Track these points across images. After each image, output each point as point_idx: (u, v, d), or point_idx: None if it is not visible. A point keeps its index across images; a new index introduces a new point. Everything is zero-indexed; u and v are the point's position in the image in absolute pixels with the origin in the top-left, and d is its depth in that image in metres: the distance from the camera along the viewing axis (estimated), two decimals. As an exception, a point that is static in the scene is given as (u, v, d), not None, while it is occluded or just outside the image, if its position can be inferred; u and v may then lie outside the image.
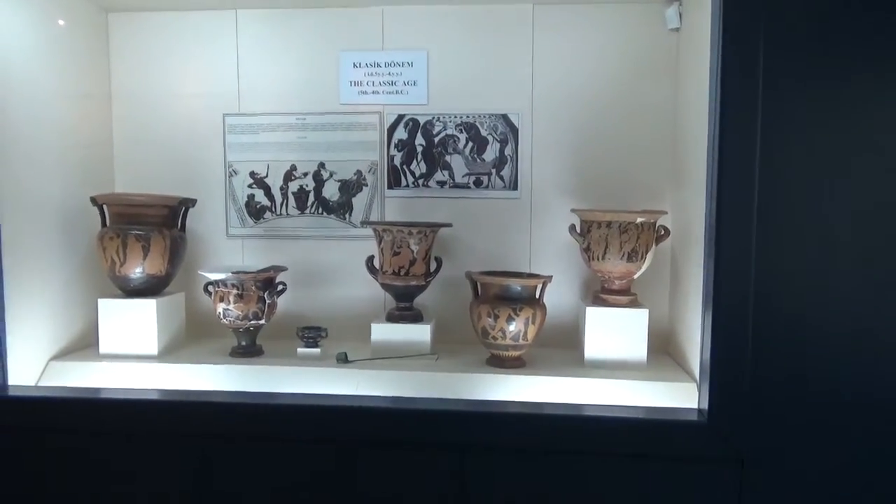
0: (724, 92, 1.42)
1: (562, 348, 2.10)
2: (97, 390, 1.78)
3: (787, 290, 1.44)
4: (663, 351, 2.10)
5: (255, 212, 2.25)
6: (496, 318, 1.84)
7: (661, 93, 2.10)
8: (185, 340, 2.15)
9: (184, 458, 1.61)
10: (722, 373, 1.46)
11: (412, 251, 1.97)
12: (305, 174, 2.22)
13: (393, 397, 1.69)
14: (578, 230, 1.97)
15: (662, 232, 1.94)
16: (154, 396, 1.72)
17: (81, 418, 1.66)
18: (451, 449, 1.53)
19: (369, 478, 1.56)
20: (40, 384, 1.88)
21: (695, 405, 1.73)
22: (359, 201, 2.22)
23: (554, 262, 2.16)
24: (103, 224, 2.00)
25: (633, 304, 1.95)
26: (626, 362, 1.90)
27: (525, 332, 1.86)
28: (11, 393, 1.70)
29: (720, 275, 1.44)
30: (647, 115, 2.12)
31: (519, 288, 1.88)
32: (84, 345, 2.08)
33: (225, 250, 2.27)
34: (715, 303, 1.45)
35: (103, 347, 1.97)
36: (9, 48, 1.78)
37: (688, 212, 1.93)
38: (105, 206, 1.99)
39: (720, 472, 1.48)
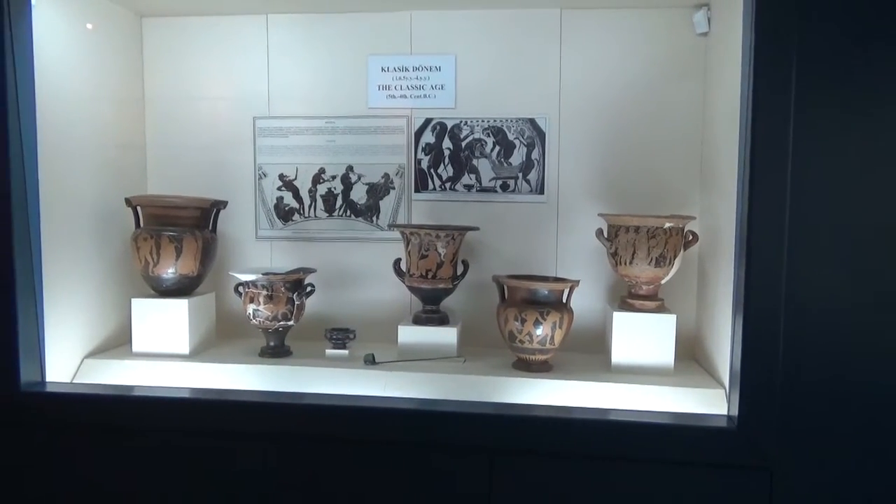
0: (755, 97, 1.42)
1: (588, 353, 2.10)
2: (131, 388, 1.82)
3: (818, 295, 1.43)
4: (690, 357, 2.09)
5: (283, 214, 2.28)
6: (523, 321, 1.85)
7: (689, 97, 2.10)
8: (215, 340, 2.19)
9: (215, 456, 1.64)
10: (752, 379, 1.46)
11: (439, 254, 1.98)
12: (334, 177, 2.25)
13: (421, 399, 1.71)
14: (606, 235, 1.97)
15: (690, 237, 1.93)
16: (186, 395, 1.75)
17: (116, 415, 1.70)
18: (479, 452, 1.54)
19: (397, 479, 1.57)
20: (75, 381, 1.92)
21: (723, 412, 1.73)
22: (386, 204, 2.24)
23: (580, 267, 2.16)
24: (137, 225, 2.04)
25: (661, 309, 1.95)
26: (653, 368, 1.90)
27: (552, 337, 1.86)
28: (49, 389, 1.73)
29: (751, 280, 1.44)
30: (674, 120, 2.11)
31: (546, 292, 1.88)
32: (117, 343, 2.13)
33: (254, 252, 2.31)
34: (745, 309, 1.45)
35: (136, 346, 2.01)
36: (46, 54, 1.82)
37: (716, 217, 1.92)
38: (139, 208, 2.03)
39: (749, 480, 1.48)
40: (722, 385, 1.80)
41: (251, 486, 1.63)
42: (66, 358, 1.91)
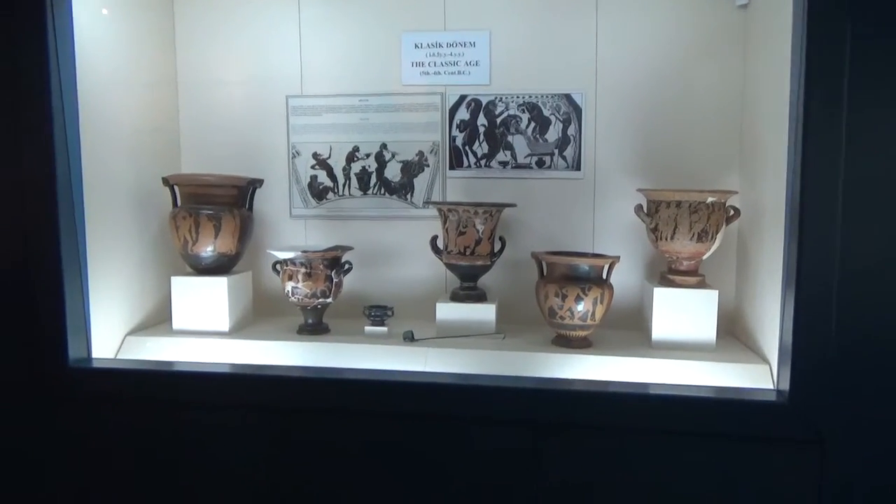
0: (808, 66, 1.39)
1: (625, 329, 2.09)
2: (175, 363, 1.83)
3: (872, 270, 1.41)
4: (729, 333, 2.08)
5: (317, 192, 2.28)
6: (564, 297, 1.84)
7: (728, 71, 2.06)
8: (253, 318, 2.20)
9: (257, 430, 1.66)
10: (804, 352, 1.44)
11: (477, 231, 1.98)
12: (368, 155, 2.24)
13: (465, 374, 1.71)
14: (645, 210, 1.95)
15: (732, 212, 1.90)
16: (229, 370, 1.76)
17: (160, 389, 1.73)
18: (524, 426, 1.54)
19: (441, 454, 1.58)
20: (119, 357, 1.94)
21: (768, 388, 1.72)
22: (420, 182, 2.23)
23: (617, 243, 2.15)
24: (174, 204, 2.05)
25: (702, 284, 1.93)
26: (695, 344, 1.89)
27: (593, 312, 1.85)
28: (95, 366, 1.75)
29: (804, 254, 1.42)
30: (713, 94, 2.08)
31: (586, 267, 1.87)
32: (157, 321, 2.15)
33: (288, 230, 2.31)
34: (798, 283, 1.43)
35: (176, 323, 2.03)
36: (84, 36, 1.82)
37: (760, 191, 1.89)
38: (176, 187, 2.04)
39: (800, 454, 1.47)
40: (766, 361, 1.79)
41: (293, 459, 1.64)
42: (110, 335, 1.93)
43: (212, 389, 1.71)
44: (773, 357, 1.74)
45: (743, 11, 2.03)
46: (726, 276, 2.09)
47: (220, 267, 2.05)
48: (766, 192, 1.85)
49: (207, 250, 1.99)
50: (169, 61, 2.28)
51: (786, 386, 1.49)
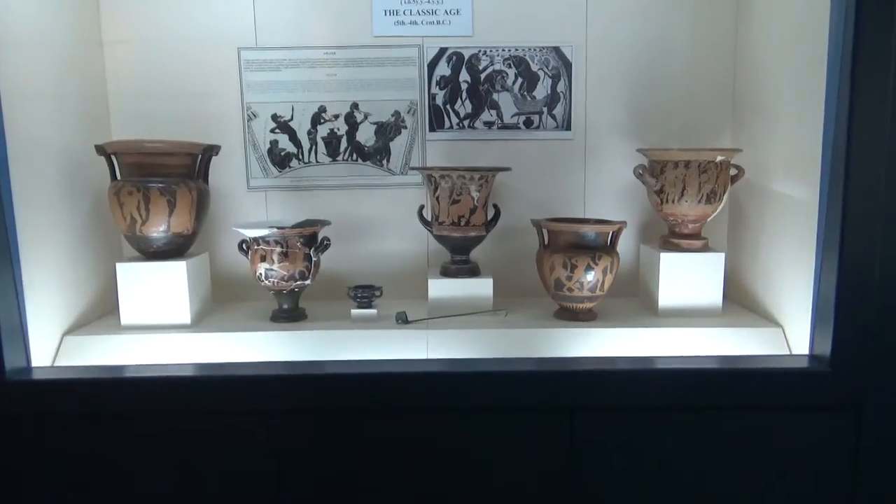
0: (858, 19, 1.29)
1: (622, 297, 1.99)
2: (134, 367, 1.55)
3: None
4: (726, 295, 2.02)
5: (279, 160, 2.00)
6: (573, 268, 1.71)
7: (720, 22, 1.97)
8: (212, 306, 1.92)
9: (242, 441, 1.42)
10: (847, 317, 1.38)
11: (473, 198, 1.80)
12: (336, 116, 1.99)
13: (493, 359, 1.54)
14: (648, 172, 1.83)
15: (736, 171, 1.82)
16: (204, 371, 1.50)
17: (121, 400, 1.44)
18: (560, 411, 1.40)
19: (474, 445, 1.42)
20: (58, 363, 1.63)
21: (782, 351, 1.67)
22: (397, 146, 2.01)
23: (609, 207, 2.04)
24: (113, 177, 1.73)
25: (706, 248, 1.85)
26: (702, 309, 1.82)
27: (602, 283, 1.73)
28: (37, 376, 1.45)
29: (848, 215, 1.34)
30: (706, 48, 1.98)
31: (593, 235, 1.74)
32: (98, 315, 1.83)
33: (246, 204, 2.03)
34: (842, 243, 1.35)
35: (125, 318, 1.73)
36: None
37: (760, 148, 1.82)
38: (115, 157, 1.71)
39: (837, 419, 1.42)
40: (777, 324, 1.74)
41: (286, 470, 1.43)
42: (44, 336, 1.61)
43: (183, 396, 1.45)
44: (786, 320, 1.70)
45: (737, -41, 1.93)
46: (718, 237, 2.02)
47: (174, 249, 1.75)
48: (770, 149, 1.78)
49: (160, 230, 1.70)
50: (91, 14, 1.90)
51: (824, 351, 1.43)
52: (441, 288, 1.84)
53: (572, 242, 1.74)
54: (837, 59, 1.35)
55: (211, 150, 1.79)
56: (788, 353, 1.67)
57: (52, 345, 1.64)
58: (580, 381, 1.39)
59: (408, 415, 1.42)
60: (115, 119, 1.97)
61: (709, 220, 1.84)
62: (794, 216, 1.65)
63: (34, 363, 1.53)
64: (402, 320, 1.75)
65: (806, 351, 1.56)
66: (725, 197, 1.81)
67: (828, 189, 1.40)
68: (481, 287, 1.85)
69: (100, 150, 1.70)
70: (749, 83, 1.90)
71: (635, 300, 2.00)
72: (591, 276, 1.71)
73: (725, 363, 1.48)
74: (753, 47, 1.87)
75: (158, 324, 1.73)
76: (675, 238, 1.85)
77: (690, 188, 1.76)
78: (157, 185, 1.67)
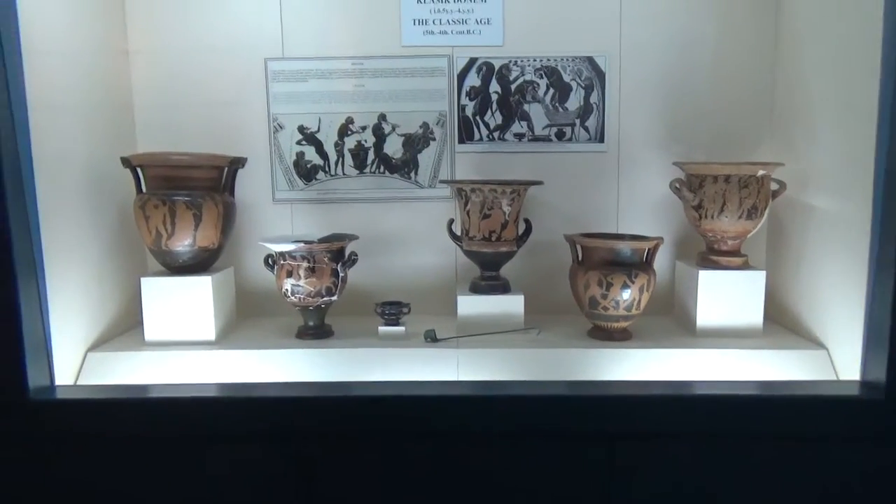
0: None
1: (657, 315, 1.92)
2: (157, 387, 1.51)
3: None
4: (766, 315, 1.94)
5: (305, 172, 1.97)
6: (609, 286, 1.65)
7: (760, 32, 1.90)
8: (237, 322, 1.89)
9: (276, 462, 1.38)
10: (905, 342, 1.31)
11: (504, 213, 1.74)
12: (364, 128, 1.95)
13: (526, 382, 1.49)
14: (686, 186, 1.77)
15: (778, 186, 1.76)
16: (233, 392, 1.46)
17: (147, 420, 1.40)
18: (598, 438, 1.34)
19: (507, 472, 1.36)
20: (81, 380, 1.60)
21: (827, 375, 1.60)
22: (425, 158, 1.96)
23: (643, 222, 1.97)
24: (139, 190, 1.70)
25: (746, 265, 1.79)
26: (741, 329, 1.75)
27: (639, 301, 1.67)
28: (60, 395, 1.41)
29: (907, 231, 1.27)
30: (744, 57, 1.92)
31: (629, 251, 1.68)
32: (122, 330, 1.81)
33: (271, 217, 1.99)
34: (899, 264, 1.28)
35: (150, 334, 1.70)
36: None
37: (803, 161, 1.75)
38: (140, 169, 1.68)
39: (892, 452, 1.35)
40: (821, 346, 1.67)
41: (313, 494, 1.38)
42: (68, 353, 1.58)
43: (208, 417, 1.41)
44: (832, 342, 1.63)
45: (777, -35, 1.87)
46: (756, 254, 1.95)
47: (199, 263, 1.72)
48: (810, 162, 1.72)
49: (185, 244, 1.66)
50: (117, 25, 1.88)
51: (878, 377, 1.35)
52: (471, 305, 1.79)
53: (607, 259, 1.68)
54: (892, 68, 1.29)
55: (237, 163, 1.76)
56: (835, 376, 1.60)
57: (75, 362, 1.61)
58: (618, 405, 1.33)
59: (440, 439, 1.37)
60: (141, 130, 1.95)
61: (749, 236, 1.77)
62: (840, 232, 1.58)
63: (59, 381, 1.50)
64: (431, 338, 1.70)
65: (855, 376, 1.48)
66: (766, 212, 1.74)
67: (882, 204, 1.33)
68: (512, 304, 1.80)
69: (125, 162, 1.67)
70: (790, 93, 1.83)
71: (670, 318, 1.93)
72: (627, 295, 1.65)
73: (773, 389, 1.41)
74: (795, 56, 1.80)
75: (183, 340, 1.69)
76: (713, 255, 1.79)
77: (731, 203, 1.70)
78: (183, 199, 1.63)
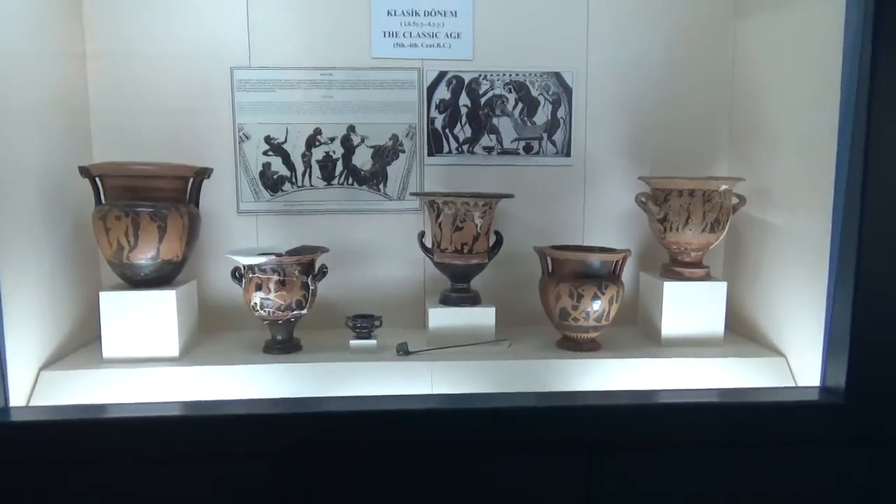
0: (874, 53, 1.30)
1: (621, 325, 1.95)
2: (120, 406, 1.44)
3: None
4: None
5: (271, 183, 1.93)
6: (580, 297, 1.67)
7: (720, 51, 1.98)
8: (199, 336, 1.82)
9: (244, 481, 1.33)
10: (862, 350, 1.37)
11: (476, 225, 1.75)
12: (332, 139, 1.92)
13: (502, 394, 1.49)
14: (651, 200, 1.82)
15: (737, 200, 1.83)
16: (198, 411, 1.40)
17: (111, 442, 1.33)
18: (577, 447, 1.35)
19: (483, 484, 1.35)
20: (35, 401, 1.51)
21: (786, 382, 1.66)
22: (394, 170, 1.95)
23: (609, 234, 2.02)
24: (98, 201, 1.63)
25: (708, 276, 1.84)
26: (704, 338, 1.80)
27: (608, 312, 1.70)
28: (15, 418, 1.33)
29: (864, 244, 1.35)
30: (704, 75, 1.99)
31: (599, 264, 1.71)
32: (76, 346, 1.72)
33: (236, 228, 1.94)
34: (857, 276, 1.35)
35: (108, 350, 1.62)
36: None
37: (764, 176, 1.82)
38: (100, 179, 1.62)
39: (852, 455, 1.41)
40: (780, 353, 1.73)
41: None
42: (20, 371, 1.49)
43: (171, 437, 1.35)
44: (790, 349, 1.70)
45: (734, -13, 1.95)
46: (714, 266, 2.02)
47: (162, 277, 1.66)
48: (767, 177, 1.80)
49: (149, 257, 1.60)
50: (73, 26, 1.80)
51: (838, 383, 1.42)
52: (442, 317, 1.79)
53: (578, 271, 1.71)
54: (853, 89, 1.36)
55: (203, 174, 1.71)
56: (793, 382, 1.66)
57: (27, 381, 1.52)
58: (591, 415, 1.35)
59: (415, 453, 1.35)
60: (97, 136, 1.87)
61: (711, 248, 1.83)
62: (798, 245, 1.65)
63: (13, 401, 1.41)
64: (404, 352, 1.69)
65: (812, 381, 1.55)
66: (727, 225, 1.81)
67: (842, 219, 1.40)
68: (483, 316, 1.80)
69: (84, 171, 1.60)
70: (748, 112, 1.91)
71: (635, 328, 1.98)
72: (597, 306, 1.68)
73: (739, 396, 1.46)
74: (752, 76, 1.89)
75: (144, 356, 1.63)
76: (677, 266, 1.84)
77: (695, 217, 1.75)
78: (147, 210, 1.58)
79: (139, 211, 1.57)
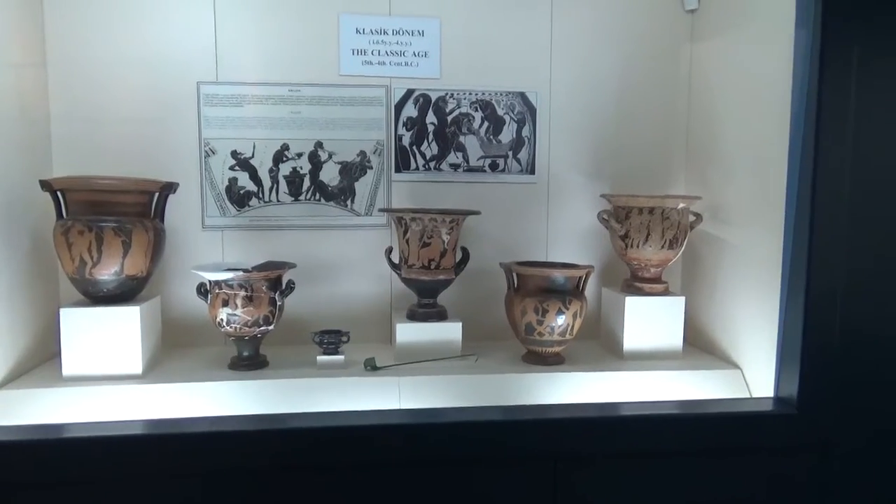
0: (821, 80, 1.38)
1: (584, 339, 2.00)
2: (80, 426, 1.41)
3: (879, 277, 1.44)
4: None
5: (237, 198, 1.92)
6: (545, 312, 1.71)
7: (676, 77, 2.07)
8: (163, 353, 1.80)
9: (210, 501, 1.32)
10: (812, 361, 1.44)
11: (443, 241, 1.78)
12: (299, 155, 1.93)
13: (474, 408, 1.51)
14: (613, 217, 1.88)
15: (694, 217, 1.90)
16: (165, 429, 1.38)
17: (74, 464, 1.30)
18: (542, 459, 1.38)
19: (453, 497, 1.37)
20: (-10, 421, 1.46)
21: (742, 393, 1.73)
22: (362, 186, 1.97)
23: (572, 250, 2.07)
24: (59, 215, 1.60)
25: (667, 291, 1.91)
26: (664, 351, 1.86)
27: (572, 327, 1.74)
28: (-28, 438, 1.29)
29: (813, 261, 1.42)
30: (662, 97, 2.07)
31: (563, 279, 1.76)
32: (33, 365, 1.67)
33: (201, 244, 1.92)
34: (808, 290, 1.42)
35: (68, 368, 1.59)
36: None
37: (719, 194, 1.90)
38: (62, 193, 1.59)
39: (804, 461, 1.47)
40: (735, 365, 1.80)
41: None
42: (-25, 391, 1.45)
43: (134, 457, 1.33)
44: (745, 361, 1.77)
45: (691, 15, 2.04)
46: (672, 282, 2.08)
47: (125, 293, 1.63)
48: (722, 195, 1.87)
49: (112, 272, 1.58)
50: (33, 33, 1.78)
51: (790, 393, 1.48)
52: (409, 332, 1.80)
53: (543, 287, 1.75)
54: (802, 112, 1.43)
55: (169, 188, 1.69)
56: (748, 393, 1.73)
57: (-18, 400, 1.48)
58: (557, 428, 1.38)
59: (384, 469, 1.36)
60: (58, 149, 1.83)
61: (670, 264, 1.90)
62: (752, 261, 1.72)
63: (-36, 422, 1.37)
64: (372, 367, 1.69)
65: (767, 392, 1.62)
66: (685, 242, 1.87)
67: (793, 236, 1.47)
68: (450, 331, 1.82)
69: (45, 185, 1.58)
70: (702, 132, 2.00)
71: (597, 342, 2.02)
72: (561, 321, 1.72)
73: (698, 408, 1.51)
74: (707, 98, 1.97)
75: (106, 374, 1.59)
76: (637, 282, 1.90)
77: (654, 234, 1.82)
78: (111, 225, 1.55)
79: (103, 226, 1.55)
